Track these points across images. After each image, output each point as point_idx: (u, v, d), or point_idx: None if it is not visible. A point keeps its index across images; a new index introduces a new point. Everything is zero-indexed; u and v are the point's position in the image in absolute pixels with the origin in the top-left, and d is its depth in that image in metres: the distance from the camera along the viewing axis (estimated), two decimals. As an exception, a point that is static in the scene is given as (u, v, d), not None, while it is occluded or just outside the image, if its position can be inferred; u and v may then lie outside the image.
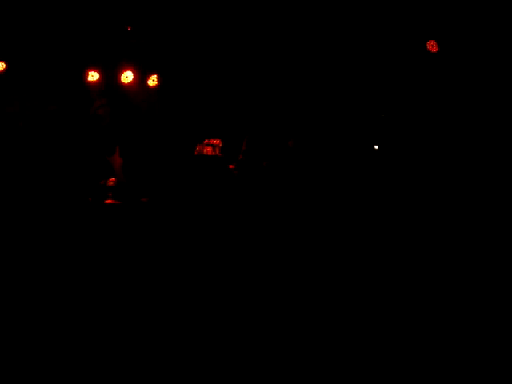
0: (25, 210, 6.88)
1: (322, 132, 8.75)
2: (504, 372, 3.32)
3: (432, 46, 8.49)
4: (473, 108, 8.11)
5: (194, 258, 5.87)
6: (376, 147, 8.58)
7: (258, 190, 7.96)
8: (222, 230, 6.85)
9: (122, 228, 6.88)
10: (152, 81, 8.75)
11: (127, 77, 8.64)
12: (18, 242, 6.07)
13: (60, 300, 4.67)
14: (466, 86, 8.19)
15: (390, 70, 8.69)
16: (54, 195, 7.30)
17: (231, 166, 8.47)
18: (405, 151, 8.24)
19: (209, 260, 5.77)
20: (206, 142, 8.76)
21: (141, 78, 8.70)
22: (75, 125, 8.47)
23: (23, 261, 5.57)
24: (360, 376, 3.34)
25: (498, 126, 7.95)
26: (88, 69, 8.50)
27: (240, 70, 8.88)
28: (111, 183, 7.82)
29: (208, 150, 8.55)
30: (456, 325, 3.97)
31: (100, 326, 4.16)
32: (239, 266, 5.59)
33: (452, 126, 8.19)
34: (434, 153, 8.02)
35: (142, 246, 6.30)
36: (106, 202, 7.61)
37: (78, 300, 4.69)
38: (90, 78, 8.51)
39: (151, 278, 5.31)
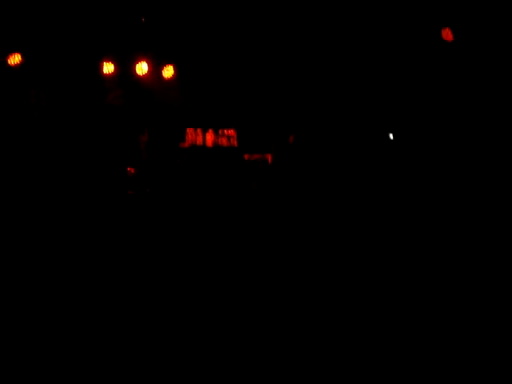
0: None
1: (334, 123, 8.76)
2: (504, 372, 3.33)
3: (447, 34, 8.45)
4: (489, 98, 8.09)
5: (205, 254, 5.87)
6: (391, 136, 8.59)
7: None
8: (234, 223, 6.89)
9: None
10: (167, 71, 8.75)
11: (142, 68, 8.65)
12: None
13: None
14: (482, 76, 8.16)
15: (405, 58, 8.66)
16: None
17: (247, 157, 8.51)
18: (420, 142, 8.24)
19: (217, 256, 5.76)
20: (220, 132, 8.80)
21: (156, 68, 8.71)
22: (89, 115, 8.50)
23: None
24: (360, 376, 3.35)
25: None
26: (103, 60, 8.52)
27: (254, 60, 8.86)
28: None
29: (223, 141, 8.60)
30: (456, 324, 3.97)
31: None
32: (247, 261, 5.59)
33: (468, 116, 8.19)
34: (450, 144, 8.03)
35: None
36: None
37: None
38: (105, 70, 8.53)
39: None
